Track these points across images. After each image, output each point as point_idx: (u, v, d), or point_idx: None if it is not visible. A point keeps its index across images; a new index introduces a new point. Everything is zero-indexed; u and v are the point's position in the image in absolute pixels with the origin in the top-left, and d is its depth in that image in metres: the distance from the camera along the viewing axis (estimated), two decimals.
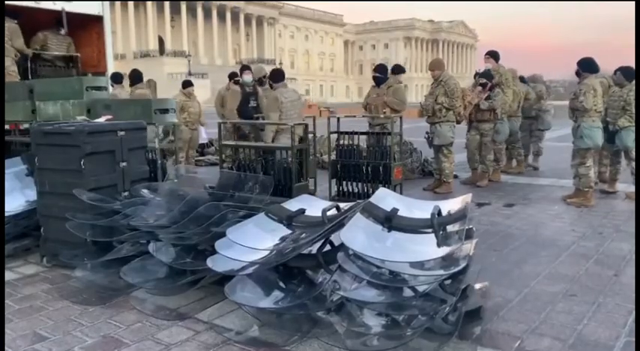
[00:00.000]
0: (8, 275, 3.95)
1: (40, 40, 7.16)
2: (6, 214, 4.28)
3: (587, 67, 6.26)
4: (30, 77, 6.76)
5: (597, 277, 3.85)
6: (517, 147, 8.81)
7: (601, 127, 6.21)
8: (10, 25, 6.53)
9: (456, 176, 7.79)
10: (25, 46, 6.77)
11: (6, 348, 2.80)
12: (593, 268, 4.07)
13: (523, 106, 8.53)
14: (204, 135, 9.66)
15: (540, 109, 8.94)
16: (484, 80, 7.49)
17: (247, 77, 7.44)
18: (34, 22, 7.03)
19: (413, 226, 3.01)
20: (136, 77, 8.36)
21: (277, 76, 6.47)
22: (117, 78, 8.01)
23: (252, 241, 3.04)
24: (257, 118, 6.96)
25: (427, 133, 7.37)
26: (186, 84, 9.15)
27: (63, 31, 7.21)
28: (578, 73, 6.39)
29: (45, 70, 7.09)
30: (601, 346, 2.81)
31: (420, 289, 2.71)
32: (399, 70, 7.69)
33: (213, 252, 3.09)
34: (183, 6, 71.29)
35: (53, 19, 7.15)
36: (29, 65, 6.90)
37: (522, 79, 9.01)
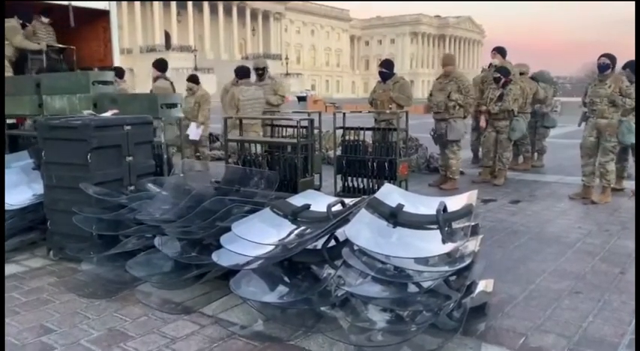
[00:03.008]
0: (15, 268, 3.99)
1: (29, 33, 7.11)
2: (13, 208, 4.31)
3: (615, 62, 6.16)
4: (30, 69, 6.75)
5: (603, 274, 3.84)
6: (525, 143, 8.75)
7: None
8: (7, 25, 6.47)
9: (462, 173, 7.77)
10: (25, 42, 6.73)
11: (13, 340, 2.83)
12: (598, 265, 4.05)
13: (532, 103, 8.49)
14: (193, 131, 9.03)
15: (545, 104, 8.87)
16: (498, 75, 7.41)
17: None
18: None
19: (418, 222, 3.00)
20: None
21: (242, 72, 7.14)
22: (119, 73, 7.96)
23: (257, 235, 3.04)
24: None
25: (433, 129, 7.32)
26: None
27: (45, 20, 7.20)
28: (605, 67, 6.08)
29: (36, 64, 7.01)
30: (606, 343, 2.80)
31: (425, 285, 2.71)
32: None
33: (219, 246, 3.10)
34: (190, 1, 71.27)
35: (37, 9, 7.12)
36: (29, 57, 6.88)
37: (534, 78, 8.94)
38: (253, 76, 7.66)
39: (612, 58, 6.13)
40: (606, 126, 6.12)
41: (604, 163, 6.20)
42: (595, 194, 6.32)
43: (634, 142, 6.22)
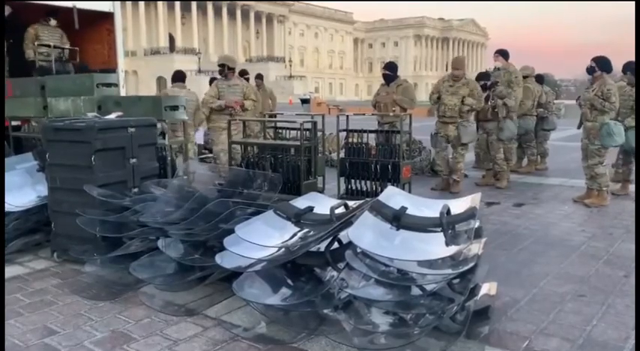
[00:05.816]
0: (19, 270, 4.00)
1: (31, 35, 7.10)
2: (17, 210, 4.33)
3: (604, 65, 6.07)
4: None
5: (607, 277, 3.82)
6: (531, 146, 8.74)
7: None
8: None
9: (465, 175, 7.74)
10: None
11: (16, 341, 2.84)
12: (603, 268, 4.04)
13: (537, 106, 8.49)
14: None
15: (547, 109, 8.85)
16: (482, 82, 7.51)
17: None
18: (23, 16, 7.02)
19: (421, 225, 3.00)
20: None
21: (176, 77, 7.57)
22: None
23: (261, 238, 3.04)
24: None
25: (436, 132, 7.19)
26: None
27: (53, 22, 7.21)
28: (590, 70, 6.13)
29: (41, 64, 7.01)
30: (610, 347, 2.79)
31: (428, 287, 2.70)
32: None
33: (222, 248, 3.11)
34: (194, 3, 71.51)
35: (41, 12, 7.12)
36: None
37: (540, 79, 8.93)
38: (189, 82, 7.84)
39: (600, 62, 6.06)
40: (590, 129, 6.16)
41: (592, 166, 6.21)
42: (592, 197, 6.29)
43: (615, 146, 6.19)
